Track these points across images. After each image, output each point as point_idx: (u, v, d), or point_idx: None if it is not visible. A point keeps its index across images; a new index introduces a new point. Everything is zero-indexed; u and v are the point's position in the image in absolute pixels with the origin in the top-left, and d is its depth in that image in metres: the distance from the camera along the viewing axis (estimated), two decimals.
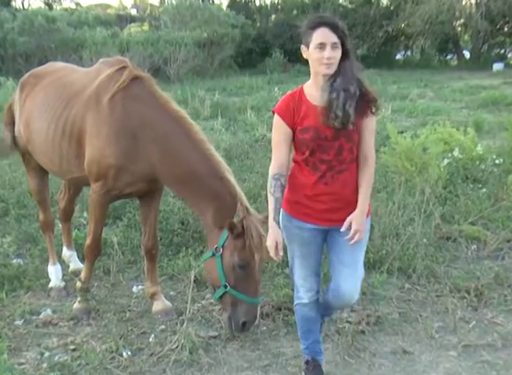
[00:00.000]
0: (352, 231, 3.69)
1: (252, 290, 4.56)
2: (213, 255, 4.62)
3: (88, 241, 5.23)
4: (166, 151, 4.75)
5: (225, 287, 4.57)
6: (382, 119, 12.77)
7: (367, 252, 6.00)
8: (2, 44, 26.23)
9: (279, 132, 3.88)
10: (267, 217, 3.94)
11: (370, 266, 6.09)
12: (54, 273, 5.98)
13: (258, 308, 4.69)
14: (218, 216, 4.60)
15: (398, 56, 38.33)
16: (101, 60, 5.54)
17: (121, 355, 4.60)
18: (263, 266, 4.83)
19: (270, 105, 16.84)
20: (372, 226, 6.44)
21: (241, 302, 4.55)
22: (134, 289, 5.85)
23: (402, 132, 10.21)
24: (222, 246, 4.57)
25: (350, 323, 5.08)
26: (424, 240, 6.48)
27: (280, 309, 5.27)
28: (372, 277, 5.84)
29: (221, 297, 4.66)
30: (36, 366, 4.52)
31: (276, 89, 16.92)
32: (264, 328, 5.06)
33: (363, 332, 4.96)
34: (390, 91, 19.89)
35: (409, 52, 39.75)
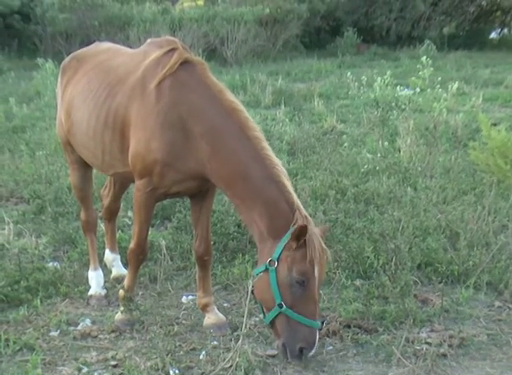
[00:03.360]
0: None
1: (311, 311, 4.56)
2: (266, 269, 4.62)
3: (132, 245, 5.32)
4: (215, 147, 4.78)
5: (280, 306, 4.54)
6: (472, 110, 12.58)
7: (450, 264, 5.96)
8: (41, 21, 26.75)
9: None
10: (326, 231, 3.99)
11: (454, 279, 6.03)
12: (94, 279, 6.10)
13: (317, 333, 4.66)
14: (272, 224, 4.59)
15: (492, 35, 37.50)
16: (148, 40, 5.61)
17: (168, 374, 4.66)
18: (321, 281, 4.81)
19: (341, 93, 16.80)
20: (458, 234, 6.38)
21: (298, 325, 4.55)
22: (184, 299, 5.93)
23: (495, 124, 10.03)
24: (278, 259, 4.57)
25: (429, 344, 5.02)
26: None
27: (349, 327, 5.27)
28: (457, 293, 5.78)
29: (273, 320, 4.65)
30: None
31: (348, 74, 16.79)
32: (331, 348, 5.06)
33: (444, 356, 4.91)
34: (482, 75, 19.51)
35: (505, 30, 38.88)
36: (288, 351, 4.63)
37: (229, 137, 4.78)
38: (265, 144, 4.83)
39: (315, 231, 4.53)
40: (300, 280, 4.49)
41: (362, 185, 8.33)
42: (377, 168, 9.13)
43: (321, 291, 5.68)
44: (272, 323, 4.69)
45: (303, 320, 4.52)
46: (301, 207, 4.63)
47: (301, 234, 4.43)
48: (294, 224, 4.50)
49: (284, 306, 4.53)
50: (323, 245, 4.53)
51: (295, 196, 4.69)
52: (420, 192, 7.95)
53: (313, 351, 4.64)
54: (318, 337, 4.63)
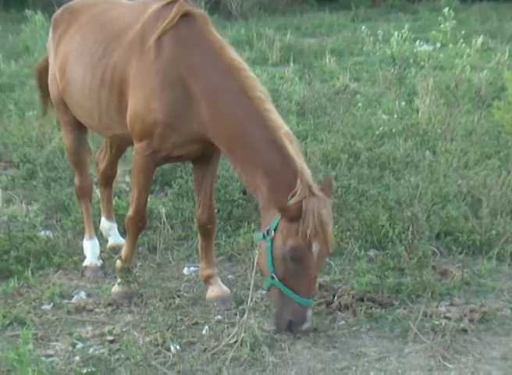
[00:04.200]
0: None
1: (304, 289, 4.58)
2: (264, 237, 4.65)
3: (130, 212, 5.33)
4: (215, 108, 4.77)
5: (272, 278, 4.61)
6: (497, 66, 12.48)
7: (472, 233, 5.95)
8: None
9: None
10: (329, 183, 3.99)
11: (476, 250, 6.03)
12: (89, 248, 6.11)
13: (309, 310, 4.68)
14: (273, 192, 4.57)
15: None
16: None
17: (168, 350, 4.68)
18: (323, 262, 4.84)
19: (354, 49, 16.69)
20: (480, 201, 6.38)
21: (289, 300, 4.60)
22: (185, 271, 5.96)
23: None
24: (275, 230, 4.59)
25: (448, 319, 5.04)
26: None
27: (362, 300, 5.29)
28: (478, 264, 5.79)
29: (269, 288, 4.74)
30: (66, 359, 4.64)
31: (363, 28, 16.66)
32: (343, 322, 5.08)
33: (465, 331, 4.92)
34: (508, 29, 19.32)
35: None
36: (277, 322, 4.75)
37: (229, 98, 4.76)
38: (269, 105, 4.78)
39: (316, 202, 4.47)
40: (293, 255, 4.49)
41: (377, 149, 8.31)
42: (393, 130, 9.10)
43: (332, 263, 5.74)
44: (268, 291, 4.80)
45: (293, 296, 4.56)
46: (306, 173, 4.56)
47: (283, 211, 4.45)
48: (294, 195, 4.48)
49: (276, 279, 4.59)
50: (323, 217, 4.45)
51: (299, 161, 4.62)
52: (439, 156, 7.92)
53: (305, 325, 4.68)
54: (310, 313, 4.67)
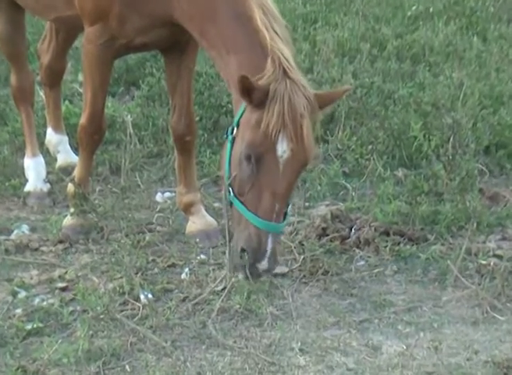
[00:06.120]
0: None
1: (262, 206, 4.46)
2: (226, 137, 4.60)
3: (83, 120, 5.30)
4: None
5: (229, 191, 4.51)
6: None
7: None
8: None
9: None
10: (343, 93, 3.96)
11: None
12: (33, 169, 6.11)
13: (271, 240, 4.45)
14: (239, 74, 4.42)
15: None
16: None
17: (137, 300, 4.70)
18: (297, 167, 4.51)
19: None
20: None
21: (243, 221, 4.46)
22: (158, 197, 6.00)
23: None
24: (237, 125, 4.51)
25: (499, 257, 5.10)
26: None
27: (387, 234, 5.32)
28: None
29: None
30: (5, 312, 4.64)
31: None
32: (362, 263, 5.14)
33: None
34: None
35: None
36: (229, 256, 4.68)
37: None
38: None
39: (289, 86, 4.33)
40: (248, 154, 4.36)
41: (409, 35, 8.24)
42: (430, 10, 9.00)
43: (348, 185, 5.75)
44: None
45: (247, 215, 4.41)
46: (282, 52, 4.43)
47: (243, 86, 4.26)
48: (262, 77, 4.37)
49: (231, 193, 4.50)
50: (296, 106, 4.29)
51: (271, 36, 4.50)
52: (491, 44, 7.87)
53: (263, 262, 4.42)
54: (271, 245, 4.41)
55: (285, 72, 4.36)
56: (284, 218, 4.49)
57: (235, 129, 4.50)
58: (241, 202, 4.43)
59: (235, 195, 4.46)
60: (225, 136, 4.64)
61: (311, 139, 4.32)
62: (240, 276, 4.56)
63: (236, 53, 4.55)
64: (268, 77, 4.32)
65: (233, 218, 4.60)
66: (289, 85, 4.32)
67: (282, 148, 4.32)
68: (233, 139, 4.49)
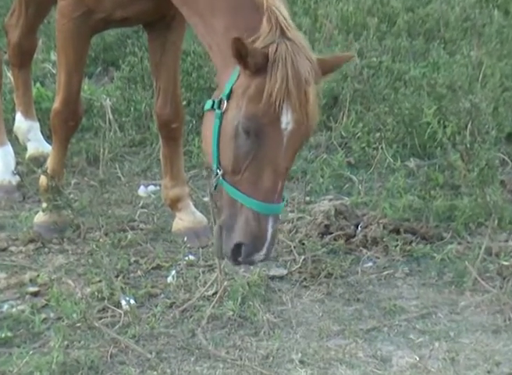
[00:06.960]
0: None
1: (264, 185, 4.27)
2: (213, 108, 4.45)
3: (57, 104, 5.30)
4: None
5: (217, 171, 4.39)
6: None
7: None
8: None
9: None
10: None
11: None
12: (0, 159, 6.13)
13: (270, 222, 4.31)
14: (229, 35, 4.30)
15: None
16: None
17: (118, 306, 4.71)
18: (300, 140, 4.41)
19: None
20: None
21: (237, 206, 4.32)
22: (141, 191, 6.03)
23: None
24: (228, 95, 4.38)
25: None
26: None
27: (398, 232, 5.34)
28: None
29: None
30: None
31: None
32: (370, 264, 5.17)
33: None
34: None
35: None
36: (223, 243, 4.38)
37: None
38: None
39: (291, 47, 4.20)
40: (248, 127, 4.22)
41: (421, 8, 8.26)
42: None
43: (354, 177, 5.77)
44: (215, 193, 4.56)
45: (243, 199, 4.27)
46: (279, 10, 4.31)
47: (238, 50, 4.10)
48: (256, 40, 4.25)
49: (219, 171, 4.37)
50: (301, 70, 4.18)
51: None
52: None
53: (264, 248, 4.30)
54: (271, 229, 4.29)
55: (283, 32, 4.25)
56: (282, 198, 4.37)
57: (224, 101, 4.35)
58: (233, 185, 4.30)
59: (224, 178, 4.33)
60: (210, 104, 4.44)
61: (315, 108, 4.24)
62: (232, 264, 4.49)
63: (224, 13, 4.44)
64: (264, 38, 4.22)
65: (221, 206, 4.44)
66: (290, 46, 4.21)
67: (287, 119, 4.22)
68: (221, 113, 4.35)
